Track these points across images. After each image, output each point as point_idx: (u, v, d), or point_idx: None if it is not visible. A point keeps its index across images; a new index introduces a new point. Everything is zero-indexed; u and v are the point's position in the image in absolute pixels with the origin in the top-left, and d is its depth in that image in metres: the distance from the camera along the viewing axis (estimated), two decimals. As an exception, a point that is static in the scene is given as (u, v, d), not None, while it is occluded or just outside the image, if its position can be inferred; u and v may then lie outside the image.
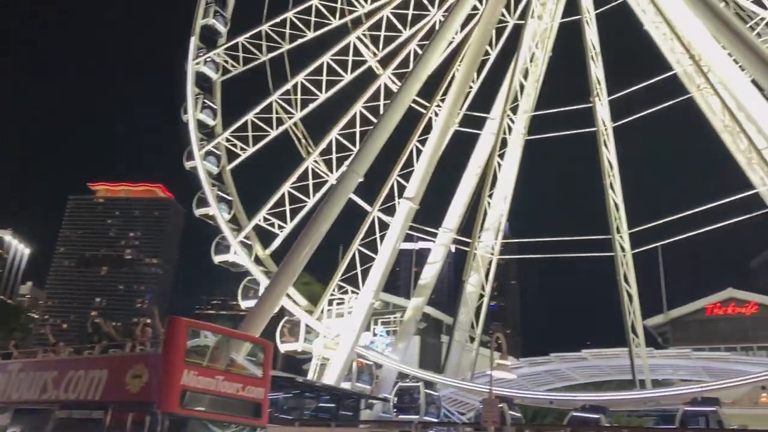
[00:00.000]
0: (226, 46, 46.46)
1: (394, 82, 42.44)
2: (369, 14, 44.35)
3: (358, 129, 42.13)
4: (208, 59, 45.85)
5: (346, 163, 39.45)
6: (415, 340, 44.46)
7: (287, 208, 41.59)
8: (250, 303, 39.71)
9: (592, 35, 40.89)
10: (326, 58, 43.49)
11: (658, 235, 37.24)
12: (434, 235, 43.27)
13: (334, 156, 42.24)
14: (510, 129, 41.42)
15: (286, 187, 41.76)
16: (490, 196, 41.04)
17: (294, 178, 42.12)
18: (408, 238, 44.02)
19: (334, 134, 42.75)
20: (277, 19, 44.96)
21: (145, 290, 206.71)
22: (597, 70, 40.35)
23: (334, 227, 37.73)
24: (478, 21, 41.01)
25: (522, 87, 42.04)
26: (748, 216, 34.23)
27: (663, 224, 36.50)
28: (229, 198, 43.70)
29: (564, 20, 43.85)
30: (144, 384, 13.30)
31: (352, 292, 38.92)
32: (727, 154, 38.61)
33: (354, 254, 39.05)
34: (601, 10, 41.56)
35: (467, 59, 39.88)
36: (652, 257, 38.50)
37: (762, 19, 35.91)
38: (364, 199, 40.91)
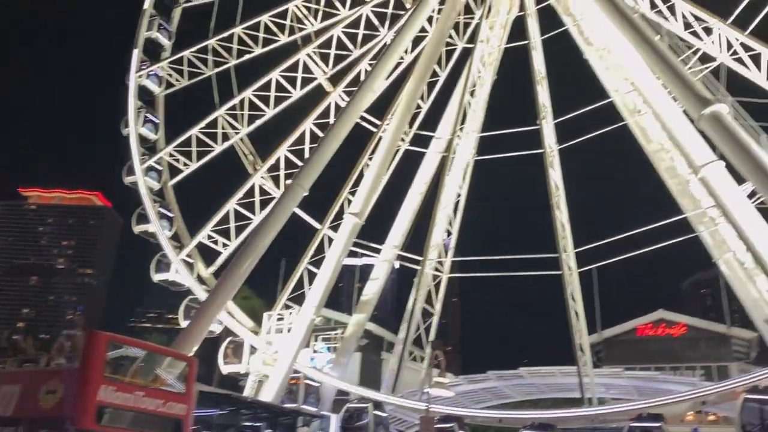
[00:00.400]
0: (170, 59, 45.33)
1: (344, 100, 42.16)
2: (319, 32, 44.02)
3: (307, 146, 42.02)
4: (151, 73, 44.70)
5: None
6: (356, 357, 44.27)
7: (232, 225, 40.82)
8: (192, 323, 38.96)
9: (538, 60, 41.61)
10: (275, 74, 43.12)
11: (595, 256, 38.39)
12: (378, 251, 43.20)
13: (282, 173, 41.88)
14: (457, 149, 41.97)
15: (231, 204, 41.12)
16: (437, 214, 41.49)
17: (240, 194, 41.45)
18: (352, 254, 43.90)
19: (282, 150, 42.50)
20: (225, 34, 44.36)
21: (76, 302, 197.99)
22: (543, 93, 41.20)
23: (277, 241, 37.34)
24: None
25: (468, 108, 42.63)
26: (677, 240, 35.68)
27: (599, 246, 37.67)
28: (171, 215, 42.46)
29: (512, 45, 44.45)
30: (58, 400, 12.85)
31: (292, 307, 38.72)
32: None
33: (302, 273, 39.02)
34: (545, 36, 42.38)
35: (414, 78, 40.25)
36: (586, 277, 39.25)
37: (696, 50, 37.17)
38: (315, 218, 40.84)
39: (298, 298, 38.83)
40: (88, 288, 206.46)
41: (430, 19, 41.76)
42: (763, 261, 30.09)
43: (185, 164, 43.46)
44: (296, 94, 43.71)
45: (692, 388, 32.80)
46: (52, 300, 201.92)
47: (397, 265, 46.62)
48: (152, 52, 46.00)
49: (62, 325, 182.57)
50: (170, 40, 46.30)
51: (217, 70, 45.04)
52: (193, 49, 45.31)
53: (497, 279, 41.24)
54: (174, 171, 43.74)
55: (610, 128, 39.78)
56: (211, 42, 44.70)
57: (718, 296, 40.32)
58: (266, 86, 43.27)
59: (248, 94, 43.12)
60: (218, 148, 43.26)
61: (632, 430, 27.00)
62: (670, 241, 35.98)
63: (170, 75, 45.85)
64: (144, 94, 44.67)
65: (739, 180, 30.30)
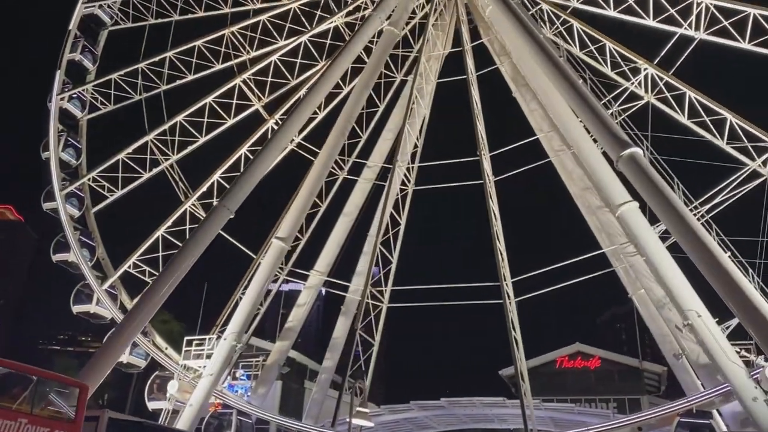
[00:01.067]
0: (95, 83, 44.24)
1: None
2: (255, 60, 43.92)
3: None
4: (73, 95, 43.41)
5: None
6: (277, 385, 43.42)
7: (160, 254, 39.58)
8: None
9: (475, 94, 42.10)
10: (209, 100, 42.58)
11: (524, 287, 38.41)
12: (305, 277, 42.82)
13: (214, 200, 40.44)
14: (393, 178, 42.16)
15: (160, 231, 39.96)
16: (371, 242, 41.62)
17: (169, 222, 40.38)
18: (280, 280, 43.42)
19: (216, 177, 41.86)
20: (156, 58, 43.52)
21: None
22: (480, 127, 41.62)
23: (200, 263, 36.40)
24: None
25: (405, 138, 42.94)
26: (594, 275, 36.72)
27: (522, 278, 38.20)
28: (93, 243, 40.84)
29: (450, 79, 45.18)
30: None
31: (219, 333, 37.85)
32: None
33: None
34: (480, 72, 43.43)
35: (347, 106, 40.38)
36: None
37: (624, 90, 38.73)
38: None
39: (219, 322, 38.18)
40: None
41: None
42: (674, 298, 30.82)
43: (110, 191, 41.92)
44: (230, 121, 43.12)
45: (604, 421, 33.74)
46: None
47: (323, 291, 46.43)
48: (76, 74, 44.41)
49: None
50: (95, 64, 45.05)
51: (146, 95, 43.79)
52: (121, 72, 43.95)
53: (423, 309, 41.38)
54: (97, 197, 42.14)
55: (536, 164, 40.84)
56: (141, 65, 43.64)
57: (632, 331, 41.65)
58: (199, 112, 42.44)
59: (180, 119, 42.10)
60: (146, 175, 41.97)
61: None
62: (588, 275, 36.75)
63: (95, 98, 44.34)
64: (66, 117, 43.04)
65: (653, 220, 31.22)
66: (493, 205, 39.88)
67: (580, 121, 34.40)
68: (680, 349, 34.94)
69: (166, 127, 42.10)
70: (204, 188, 41.46)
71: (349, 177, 45.01)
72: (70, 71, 43.99)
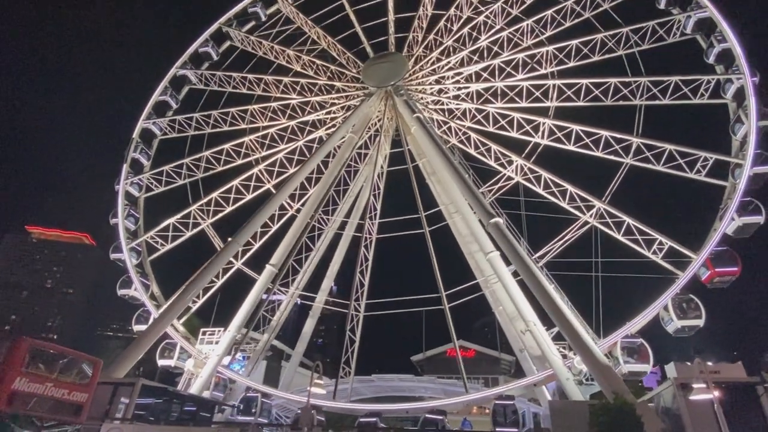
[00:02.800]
0: (150, 173, 43.67)
1: (263, 174, 42.55)
2: (265, 157, 43.78)
3: (232, 195, 41.85)
4: (134, 181, 42.48)
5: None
6: (263, 364, 41.58)
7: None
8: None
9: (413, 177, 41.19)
10: (236, 182, 42.22)
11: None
12: (286, 291, 41.74)
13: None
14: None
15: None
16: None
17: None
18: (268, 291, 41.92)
19: (215, 194, 41.55)
20: (195, 156, 43.58)
21: (57, 312, 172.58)
22: (375, 200, 41.39)
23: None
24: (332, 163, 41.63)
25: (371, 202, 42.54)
26: (472, 296, 37.09)
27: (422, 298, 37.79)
28: (148, 282, 39.39)
29: (391, 168, 44.64)
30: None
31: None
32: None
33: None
34: (410, 165, 43.20)
35: (321, 183, 40.02)
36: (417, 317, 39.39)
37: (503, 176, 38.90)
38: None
39: (227, 320, 36.53)
40: (68, 303, 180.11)
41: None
42: (521, 312, 31.15)
43: (162, 245, 40.65)
44: (249, 196, 42.41)
45: (476, 392, 33.68)
46: (36, 310, 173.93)
47: (298, 301, 45.35)
48: (136, 166, 43.93)
49: (41, 329, 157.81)
50: (149, 161, 44.28)
51: (188, 180, 43.23)
52: (171, 165, 43.60)
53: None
54: (152, 249, 40.84)
55: (440, 225, 40.46)
56: (186, 160, 43.40)
57: (494, 332, 41.89)
58: (228, 190, 42.09)
59: (215, 195, 41.80)
60: (188, 233, 40.99)
61: (425, 420, 26.91)
62: (469, 297, 36.90)
63: (151, 183, 43.56)
64: (129, 197, 42.33)
65: (508, 263, 31.56)
66: (430, 244, 39.09)
67: (466, 200, 35.11)
68: (523, 346, 35.34)
69: (204, 200, 41.72)
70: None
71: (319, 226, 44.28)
72: (133, 166, 43.37)
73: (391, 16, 45.67)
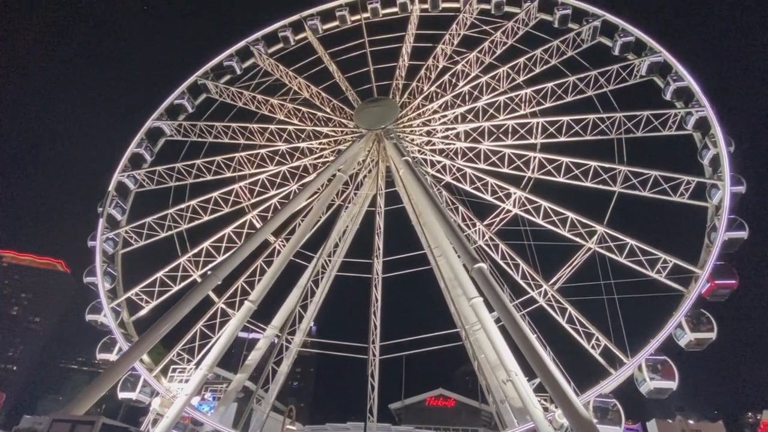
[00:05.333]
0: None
1: (257, 220, 42.28)
2: (252, 175, 44.26)
3: (224, 244, 40.66)
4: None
5: (210, 266, 37.51)
6: (233, 406, 39.65)
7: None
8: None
9: (380, 221, 42.77)
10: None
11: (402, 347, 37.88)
12: (264, 329, 40.54)
13: (202, 259, 39.94)
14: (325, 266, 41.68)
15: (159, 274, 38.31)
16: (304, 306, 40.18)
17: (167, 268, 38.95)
18: (245, 329, 40.70)
19: (206, 244, 40.68)
20: (180, 206, 42.60)
21: (20, 342, 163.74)
22: (380, 241, 42.16)
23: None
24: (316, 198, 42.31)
25: (338, 242, 43.06)
26: (454, 344, 36.51)
27: (405, 341, 37.39)
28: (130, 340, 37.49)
29: (371, 209, 45.17)
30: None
31: (190, 361, 34.79)
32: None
33: (196, 332, 35.97)
34: (392, 207, 44.09)
35: (307, 220, 40.02)
36: (399, 361, 38.47)
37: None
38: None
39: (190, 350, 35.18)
40: (32, 332, 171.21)
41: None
42: (502, 361, 30.68)
43: (146, 302, 38.89)
44: (226, 209, 42.58)
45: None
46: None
47: (276, 341, 43.84)
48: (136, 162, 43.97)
49: (1, 359, 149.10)
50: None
51: (176, 184, 43.32)
52: (165, 167, 43.66)
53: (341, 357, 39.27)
54: (135, 308, 38.86)
55: (423, 268, 41.16)
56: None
57: (475, 381, 40.94)
58: (207, 201, 42.11)
59: (193, 202, 41.78)
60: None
61: None
62: (451, 344, 36.88)
63: (144, 179, 43.47)
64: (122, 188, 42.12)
65: (491, 309, 31.01)
66: (377, 293, 39.13)
67: (451, 244, 35.14)
68: (504, 396, 34.50)
69: (196, 249, 40.79)
70: (196, 250, 40.44)
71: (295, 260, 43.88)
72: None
73: (372, 66, 48.03)
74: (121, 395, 33.09)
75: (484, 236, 38.52)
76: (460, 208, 40.41)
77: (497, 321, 30.76)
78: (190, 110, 48.61)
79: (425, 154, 44.16)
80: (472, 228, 39.29)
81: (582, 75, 39.98)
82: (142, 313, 38.18)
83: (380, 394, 36.41)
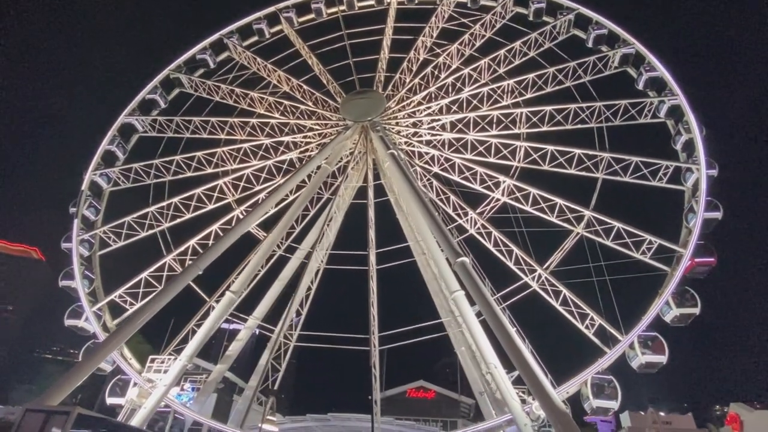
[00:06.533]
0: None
1: (242, 215, 41.20)
2: (235, 170, 43.64)
3: (210, 242, 39.57)
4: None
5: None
6: (213, 397, 39.41)
7: (140, 290, 36.28)
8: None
9: (371, 212, 42.62)
10: (198, 191, 41.54)
11: (389, 340, 37.65)
12: (245, 320, 40.27)
13: (188, 257, 38.60)
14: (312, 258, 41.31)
15: (144, 274, 37.15)
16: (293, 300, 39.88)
17: (152, 268, 37.90)
18: (227, 321, 40.37)
19: (192, 242, 39.73)
20: (162, 203, 41.34)
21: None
22: (372, 232, 41.76)
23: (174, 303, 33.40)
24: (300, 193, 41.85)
25: (324, 233, 42.55)
26: (434, 335, 36.79)
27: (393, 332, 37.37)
28: (92, 276, 37.13)
29: (358, 201, 45.20)
30: None
31: (172, 354, 34.36)
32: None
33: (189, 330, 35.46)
34: (378, 199, 43.93)
35: (290, 212, 39.81)
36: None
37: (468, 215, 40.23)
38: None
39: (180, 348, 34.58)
40: (4, 321, 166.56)
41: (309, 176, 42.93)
42: (483, 354, 31.01)
43: (131, 304, 37.47)
44: (210, 206, 41.84)
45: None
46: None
47: (257, 332, 43.70)
48: (109, 160, 42.52)
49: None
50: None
51: (155, 181, 42.17)
52: (142, 163, 42.31)
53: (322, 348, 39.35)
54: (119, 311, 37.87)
55: (407, 260, 41.14)
56: (156, 161, 42.11)
57: (456, 374, 41.34)
58: (190, 197, 41.17)
59: (175, 200, 40.52)
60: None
61: None
62: (432, 336, 36.90)
63: (119, 177, 42.17)
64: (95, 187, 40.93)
65: (472, 303, 31.32)
66: (373, 284, 39.41)
67: (434, 238, 35.22)
68: (483, 389, 35.06)
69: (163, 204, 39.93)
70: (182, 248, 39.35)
71: (284, 254, 43.76)
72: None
73: (352, 59, 48.18)
74: (110, 401, 32.73)
75: (476, 224, 38.81)
76: (452, 197, 40.60)
77: (478, 315, 31.04)
78: (163, 105, 47.26)
79: (413, 146, 44.27)
80: (464, 217, 39.51)
81: (561, 66, 40.81)
82: (127, 315, 36.90)
83: (361, 385, 36.47)
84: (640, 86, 39.14)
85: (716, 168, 33.92)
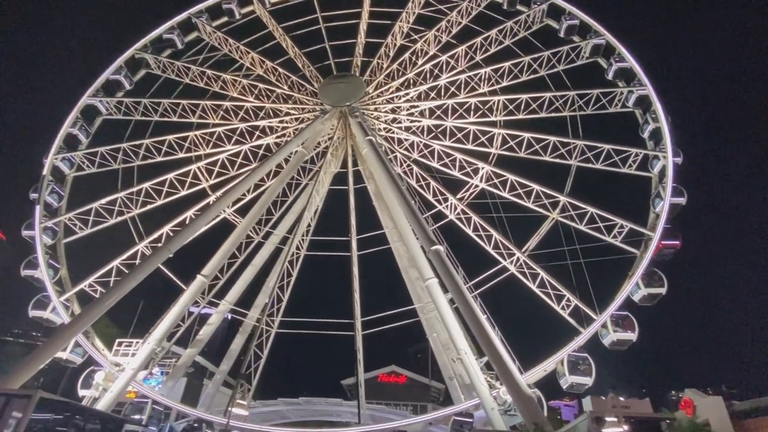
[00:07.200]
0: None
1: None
2: (208, 155, 42.54)
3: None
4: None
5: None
6: (183, 381, 38.96)
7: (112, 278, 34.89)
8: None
9: (351, 199, 42.62)
10: (170, 176, 40.25)
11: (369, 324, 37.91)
12: (217, 304, 39.74)
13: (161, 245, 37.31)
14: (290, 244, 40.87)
15: (115, 262, 36.13)
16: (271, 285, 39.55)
17: (125, 256, 36.77)
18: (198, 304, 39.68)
19: (166, 229, 38.68)
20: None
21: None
22: (353, 218, 41.95)
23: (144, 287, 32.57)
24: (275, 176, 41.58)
25: (302, 219, 42.07)
26: (408, 321, 37.27)
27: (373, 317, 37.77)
28: (57, 265, 35.70)
29: (336, 187, 45.09)
30: None
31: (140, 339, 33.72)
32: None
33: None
34: (358, 186, 43.93)
35: (265, 196, 39.24)
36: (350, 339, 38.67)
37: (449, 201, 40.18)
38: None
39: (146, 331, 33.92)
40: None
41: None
42: (453, 340, 31.17)
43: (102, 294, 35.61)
44: (183, 191, 40.70)
45: (402, 418, 33.37)
46: None
47: (229, 316, 43.25)
48: (71, 143, 40.68)
49: None
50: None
51: (123, 166, 40.74)
52: (108, 147, 40.69)
53: (296, 334, 39.51)
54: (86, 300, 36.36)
55: (384, 247, 41.47)
56: (123, 145, 40.39)
57: (427, 359, 41.95)
58: (162, 183, 39.93)
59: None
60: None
61: None
62: (403, 322, 37.37)
63: (83, 162, 40.43)
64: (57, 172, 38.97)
65: (445, 290, 31.58)
66: (355, 269, 39.60)
67: (410, 225, 35.14)
68: (453, 374, 35.74)
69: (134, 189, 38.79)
70: (155, 235, 38.24)
71: (261, 240, 43.15)
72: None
73: (328, 43, 47.71)
74: (82, 392, 31.74)
75: (455, 209, 39.11)
76: (432, 183, 40.74)
77: (451, 302, 31.33)
78: (128, 87, 44.56)
79: (392, 132, 44.11)
80: (444, 203, 39.75)
81: (536, 55, 41.40)
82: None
83: (333, 370, 36.73)
84: (610, 76, 40.08)
85: (681, 156, 35.24)
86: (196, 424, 31.78)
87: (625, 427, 22.22)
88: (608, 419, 22.39)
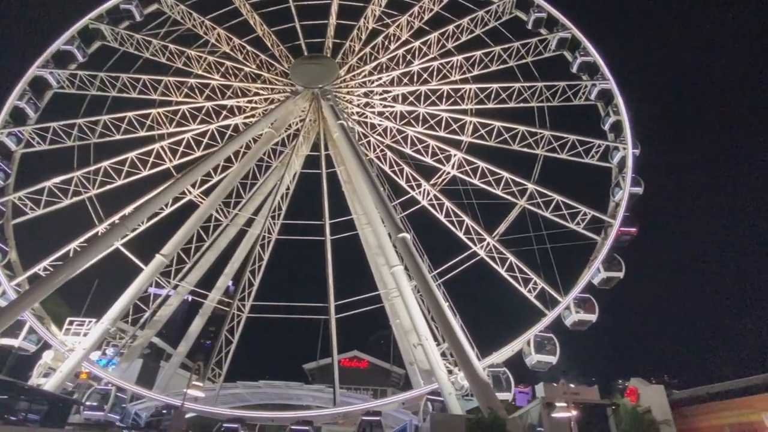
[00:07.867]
0: (34, 126, 38.12)
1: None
2: (172, 134, 40.87)
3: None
4: (12, 133, 36.57)
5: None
6: (138, 362, 37.95)
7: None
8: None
9: (324, 182, 41.11)
10: (132, 155, 38.49)
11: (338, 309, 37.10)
12: (176, 286, 38.75)
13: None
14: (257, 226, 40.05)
15: (72, 245, 34.33)
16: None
17: (82, 238, 34.80)
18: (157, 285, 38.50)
19: (127, 210, 36.58)
20: (93, 118, 39.07)
21: None
22: (326, 202, 40.75)
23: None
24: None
25: (273, 202, 41.11)
26: (373, 306, 37.46)
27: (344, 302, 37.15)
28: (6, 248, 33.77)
29: (308, 171, 44.21)
30: None
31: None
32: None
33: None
34: (330, 170, 42.63)
35: (230, 176, 37.91)
36: (314, 325, 38.48)
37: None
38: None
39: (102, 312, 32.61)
40: None
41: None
42: (415, 326, 31.59)
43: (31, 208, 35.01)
44: (145, 172, 39.06)
45: (362, 402, 33.77)
46: None
47: (189, 298, 42.27)
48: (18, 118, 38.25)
49: None
50: (36, 113, 38.58)
51: (78, 143, 38.82)
52: (61, 123, 38.55)
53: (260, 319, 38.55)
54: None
55: (351, 233, 40.85)
56: (79, 121, 38.67)
57: (389, 345, 42.45)
58: (122, 162, 38.17)
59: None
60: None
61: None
62: (370, 307, 37.33)
63: (33, 138, 38.14)
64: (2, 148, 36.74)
65: (410, 278, 32.24)
66: (329, 255, 38.88)
67: (378, 212, 35.43)
68: (413, 359, 36.31)
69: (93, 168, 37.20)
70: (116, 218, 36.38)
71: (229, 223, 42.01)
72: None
73: (298, 22, 46.64)
74: (1, 341, 30.11)
75: (428, 195, 39.30)
76: (405, 169, 40.76)
77: (415, 289, 32.17)
78: (81, 59, 42.08)
79: (366, 117, 43.74)
80: (417, 189, 39.82)
81: (506, 45, 42.52)
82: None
83: (295, 354, 36.59)
84: (575, 70, 41.05)
85: (639, 148, 36.71)
86: (164, 411, 31.13)
87: (574, 412, 23.33)
88: (558, 404, 23.40)
